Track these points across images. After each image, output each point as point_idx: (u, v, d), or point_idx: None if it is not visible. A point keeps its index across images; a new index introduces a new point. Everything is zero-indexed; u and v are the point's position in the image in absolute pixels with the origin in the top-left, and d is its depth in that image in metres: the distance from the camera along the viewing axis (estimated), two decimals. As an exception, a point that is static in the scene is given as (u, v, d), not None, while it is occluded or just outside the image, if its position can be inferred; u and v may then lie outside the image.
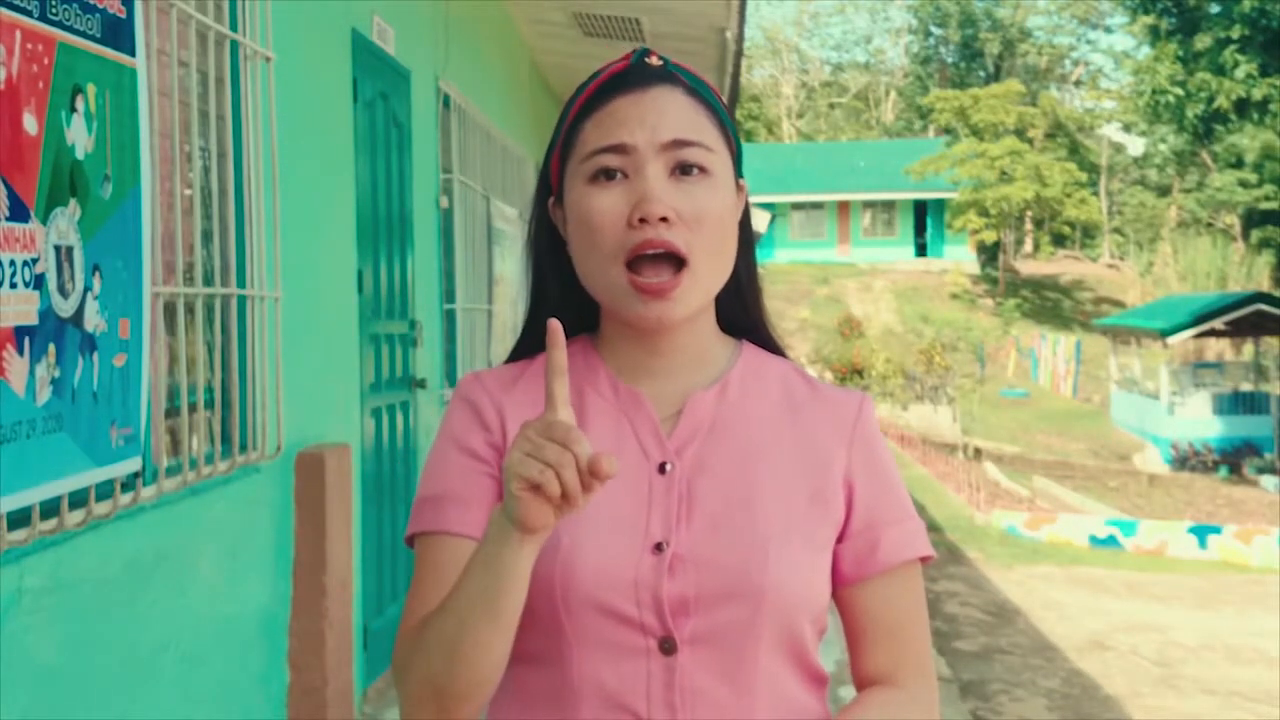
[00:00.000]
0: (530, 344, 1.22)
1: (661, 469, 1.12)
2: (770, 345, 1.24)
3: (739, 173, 1.19)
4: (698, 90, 1.15)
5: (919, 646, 1.18)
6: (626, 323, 1.14)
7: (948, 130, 39.77)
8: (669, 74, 1.14)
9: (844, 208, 39.44)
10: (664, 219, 1.08)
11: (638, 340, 1.16)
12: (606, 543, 1.07)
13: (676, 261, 1.09)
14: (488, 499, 1.12)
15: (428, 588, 1.11)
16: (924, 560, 1.18)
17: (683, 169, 1.10)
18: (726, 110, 1.18)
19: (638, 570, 1.06)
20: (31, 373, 1.97)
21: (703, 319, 1.17)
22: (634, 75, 1.14)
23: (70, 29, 2.09)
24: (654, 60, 1.15)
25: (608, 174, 1.10)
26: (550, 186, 1.19)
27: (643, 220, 1.08)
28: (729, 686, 1.07)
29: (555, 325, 0.98)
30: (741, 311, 1.22)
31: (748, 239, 1.20)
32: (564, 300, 1.19)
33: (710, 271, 1.12)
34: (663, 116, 1.11)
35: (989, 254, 38.91)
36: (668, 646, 1.06)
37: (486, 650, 1.00)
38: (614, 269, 1.09)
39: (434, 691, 1.03)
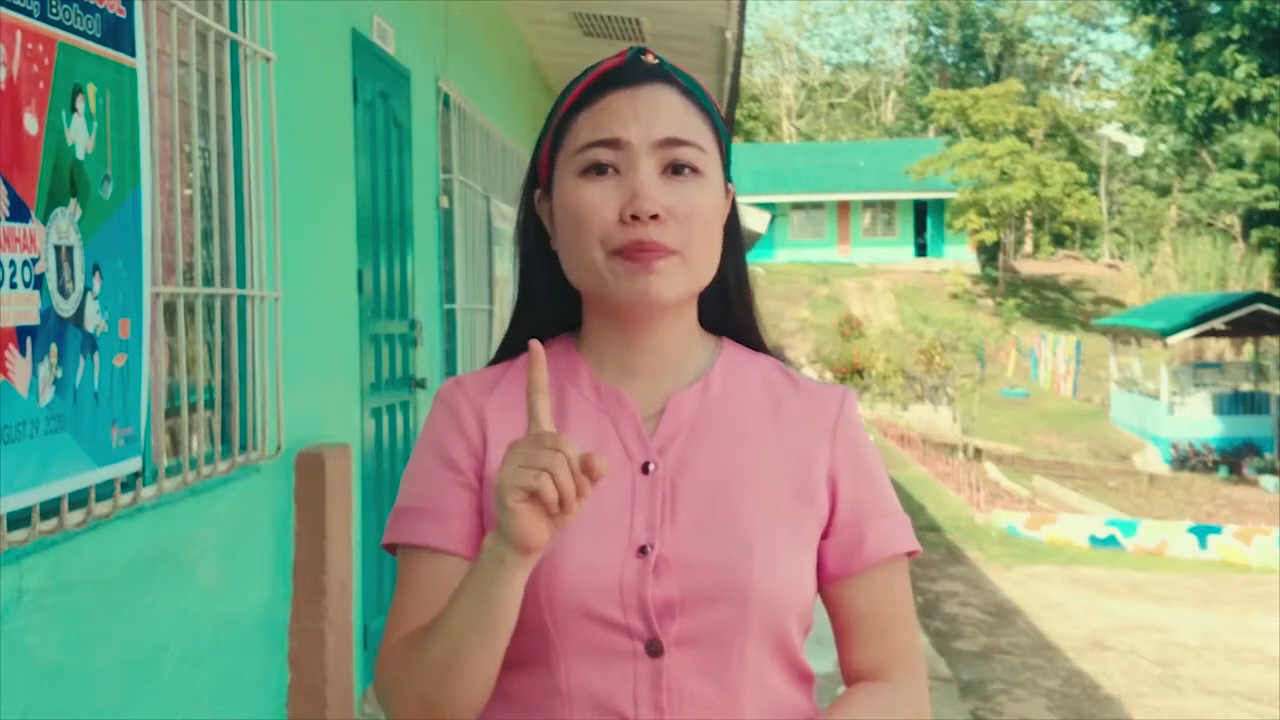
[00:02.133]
0: (517, 338, 1.22)
1: (645, 469, 1.12)
2: (757, 347, 1.24)
3: (728, 176, 1.19)
4: (692, 91, 1.15)
5: (907, 641, 1.18)
6: (612, 306, 1.13)
7: (948, 130, 39.77)
8: (664, 73, 1.14)
9: (844, 208, 39.43)
10: (655, 216, 1.08)
11: (620, 338, 1.16)
12: (590, 546, 1.07)
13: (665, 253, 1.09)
14: (464, 511, 1.13)
15: (408, 605, 1.12)
16: (910, 555, 1.18)
17: (675, 168, 1.10)
18: (719, 113, 1.18)
19: (622, 574, 1.06)
20: (34, 373, 1.97)
21: (684, 317, 1.17)
22: (629, 72, 1.14)
23: (71, 29, 2.09)
24: (650, 59, 1.15)
25: (599, 168, 1.10)
26: (538, 179, 1.18)
27: (634, 217, 1.08)
28: (716, 686, 1.07)
29: (536, 345, 0.99)
30: (725, 313, 1.22)
31: (735, 242, 1.20)
32: (550, 294, 1.19)
33: (699, 263, 1.12)
34: (657, 114, 1.11)
35: (989, 254, 38.90)
36: (654, 649, 1.06)
37: (479, 672, 1.02)
38: (599, 256, 1.09)
39: (424, 710, 1.04)
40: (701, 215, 1.11)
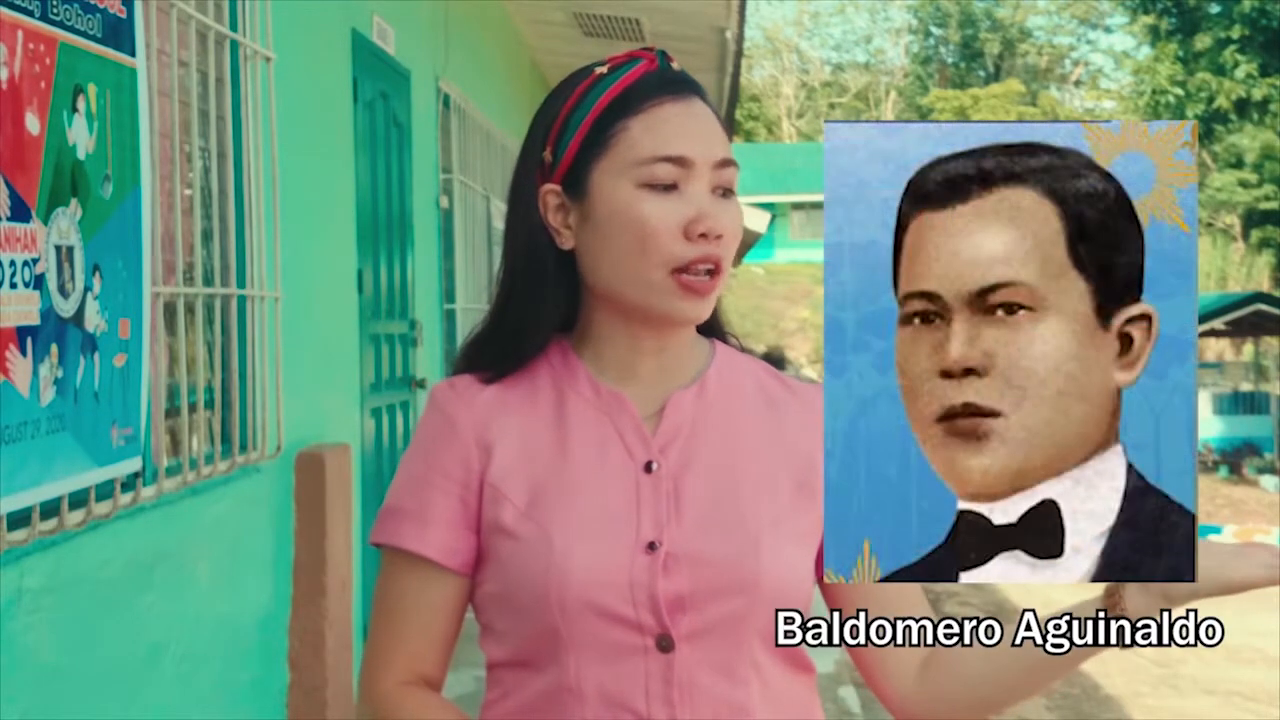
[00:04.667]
0: (515, 337, 1.18)
1: (648, 468, 1.13)
2: (721, 335, 1.26)
3: None
4: (711, 107, 1.18)
5: (926, 611, 1.18)
6: (639, 315, 1.14)
7: (948, 130, 39.72)
8: (696, 85, 1.17)
9: (844, 207, 39.37)
10: (719, 236, 1.11)
11: (627, 341, 1.16)
12: (599, 544, 1.08)
13: (714, 272, 1.13)
14: (447, 518, 1.14)
15: (388, 618, 1.16)
16: None
17: (721, 188, 1.13)
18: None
19: (632, 570, 1.08)
20: (35, 373, 1.97)
21: None
22: (672, 81, 1.15)
23: (71, 29, 2.09)
24: (676, 66, 1.17)
25: (661, 183, 1.11)
26: (547, 171, 1.16)
27: (702, 235, 1.10)
28: (725, 679, 1.09)
29: None
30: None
31: None
32: (558, 293, 1.17)
33: (726, 278, 1.15)
34: (711, 133, 1.14)
35: (989, 254, 38.86)
36: (664, 644, 1.08)
37: None
38: (658, 273, 1.10)
39: None
40: (738, 234, 1.14)
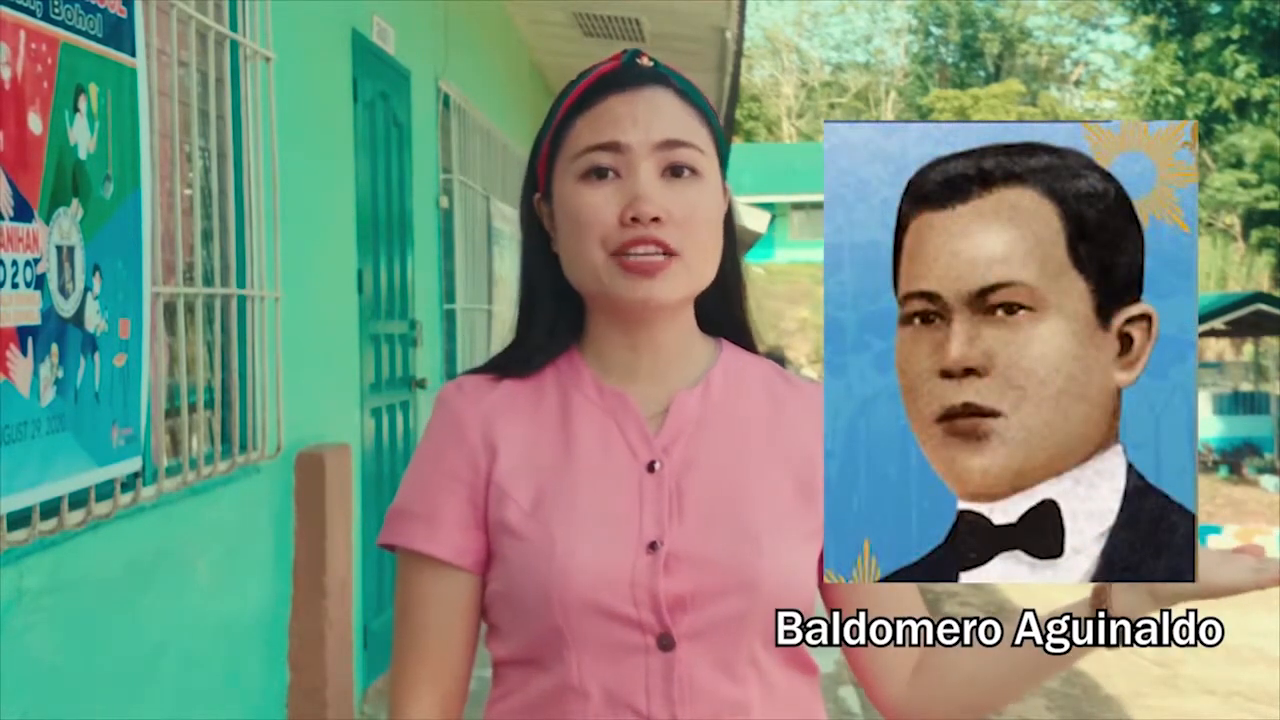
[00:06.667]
0: (523, 344, 1.20)
1: (650, 468, 1.13)
2: (750, 347, 1.25)
3: (724, 176, 1.20)
4: (687, 92, 1.16)
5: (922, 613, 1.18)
6: (613, 307, 1.14)
7: (947, 130, 39.71)
8: (660, 75, 1.15)
9: (844, 208, 39.33)
10: (655, 219, 1.09)
11: (623, 339, 1.17)
12: (600, 544, 1.09)
13: (666, 254, 1.10)
14: (456, 518, 1.14)
15: (408, 624, 1.16)
16: None
17: (674, 170, 1.11)
18: (715, 113, 1.19)
19: (634, 570, 1.08)
20: (35, 373, 1.97)
21: (684, 317, 1.18)
22: (626, 75, 1.15)
23: (73, 29, 2.10)
24: (645, 61, 1.16)
25: (599, 172, 1.11)
26: (536, 182, 1.19)
27: (634, 219, 1.09)
28: (726, 678, 1.09)
29: None
30: (725, 313, 1.23)
31: (731, 240, 1.22)
32: (555, 296, 1.19)
33: (699, 265, 1.13)
34: (656, 116, 1.12)
35: (989, 254, 38.82)
36: (665, 643, 1.08)
37: None
38: (599, 258, 1.10)
39: None
40: (701, 216, 1.12)
